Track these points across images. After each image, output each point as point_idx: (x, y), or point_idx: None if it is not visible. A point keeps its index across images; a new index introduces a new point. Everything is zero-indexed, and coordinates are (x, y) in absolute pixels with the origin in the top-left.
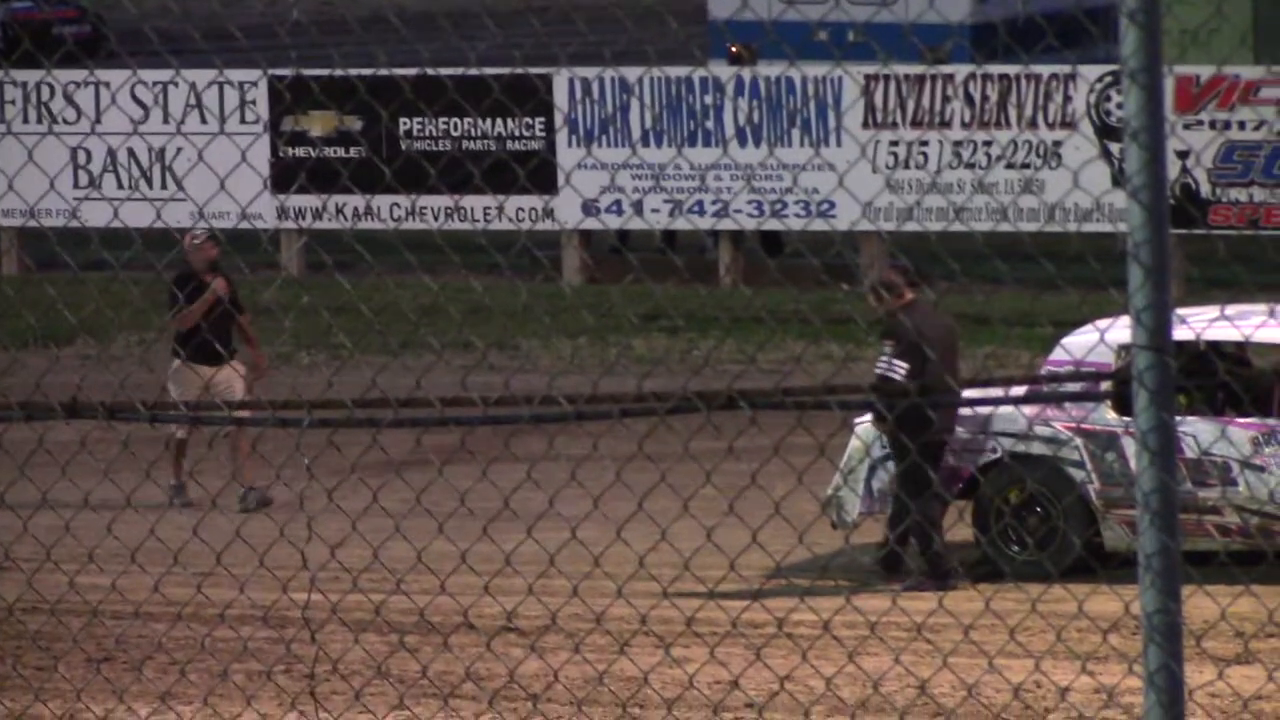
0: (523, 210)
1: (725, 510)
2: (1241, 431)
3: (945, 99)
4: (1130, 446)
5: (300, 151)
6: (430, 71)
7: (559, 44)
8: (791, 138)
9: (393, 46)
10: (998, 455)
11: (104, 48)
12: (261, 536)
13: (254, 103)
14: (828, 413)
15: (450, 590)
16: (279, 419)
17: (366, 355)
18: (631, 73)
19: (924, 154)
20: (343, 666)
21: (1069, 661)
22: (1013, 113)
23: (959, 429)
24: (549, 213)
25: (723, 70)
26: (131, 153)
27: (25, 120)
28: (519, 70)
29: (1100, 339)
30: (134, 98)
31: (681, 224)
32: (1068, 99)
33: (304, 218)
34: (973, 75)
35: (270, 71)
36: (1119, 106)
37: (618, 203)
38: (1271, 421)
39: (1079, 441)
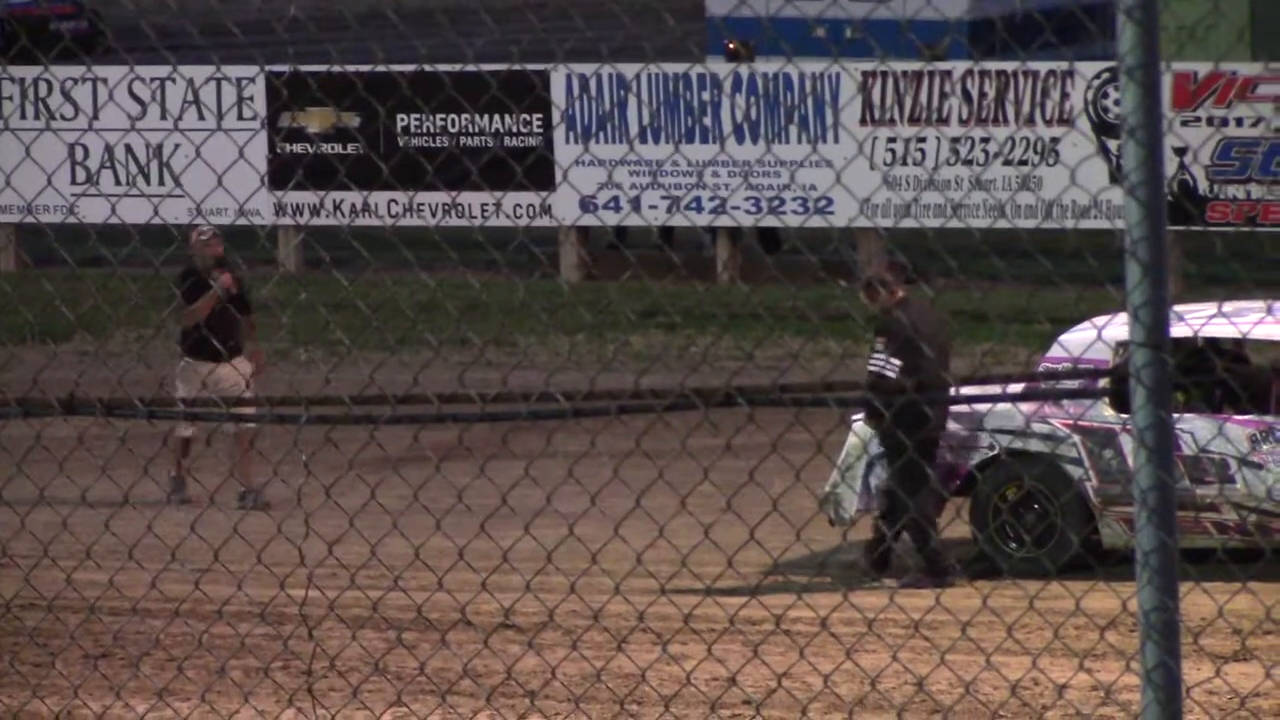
0: (520, 207)
1: (723, 507)
2: (1239, 428)
3: (943, 95)
4: (1128, 444)
5: (298, 148)
6: (428, 68)
7: (556, 40)
8: (789, 134)
9: (390, 43)
10: (995, 452)
11: (101, 43)
12: (259, 533)
13: (251, 99)
14: (825, 410)
15: (448, 587)
16: (277, 415)
17: (364, 352)
18: (629, 69)
19: (921, 150)
20: (340, 663)
21: (1067, 659)
22: (1010, 109)
23: (957, 426)
24: (546, 209)
25: (720, 67)
26: (129, 149)
27: (23, 116)
28: (516, 66)
29: (1098, 336)
30: (131, 94)
31: (679, 220)
32: (1065, 95)
33: (301, 214)
34: (970, 72)
35: (268, 68)
36: (1116, 103)
37: (615, 199)
38: (1269, 418)
39: (1077, 439)
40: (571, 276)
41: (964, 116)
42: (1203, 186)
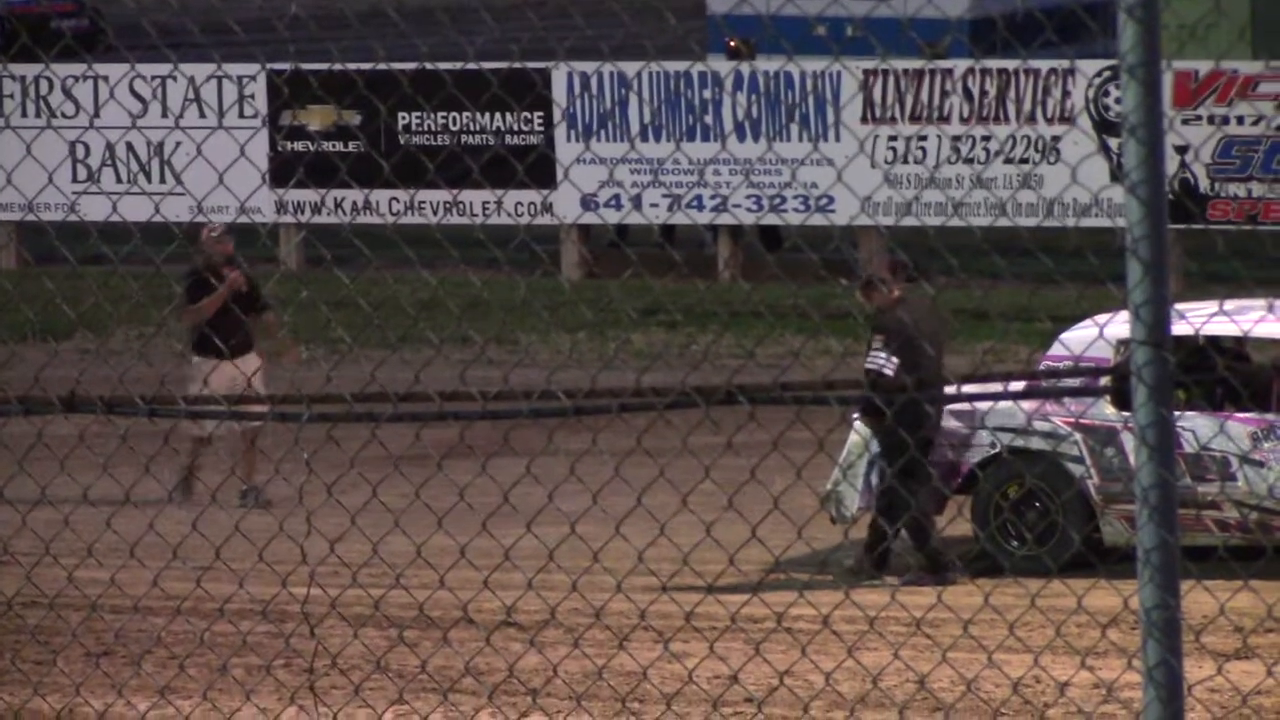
0: (521, 205)
1: (724, 505)
2: (1240, 426)
3: (944, 94)
4: (1129, 442)
5: (299, 146)
6: (429, 66)
7: (557, 38)
8: (790, 132)
9: (391, 41)
10: (997, 450)
11: (102, 42)
12: (261, 531)
13: (252, 97)
14: (826, 408)
15: (449, 585)
16: (278, 413)
17: (365, 350)
18: (630, 67)
19: (922, 149)
20: (342, 661)
21: (1068, 656)
22: (1011, 108)
23: (958, 424)
24: (548, 207)
25: (721, 65)
26: (130, 147)
27: (23, 114)
28: (517, 65)
29: (1099, 334)
30: (132, 92)
31: (680, 219)
32: (1066, 94)
33: (303, 212)
34: (971, 70)
35: (269, 66)
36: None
37: (616, 197)
38: (1270, 416)
39: (1078, 437)
40: (573, 274)
41: (965, 115)
42: (1204, 185)
